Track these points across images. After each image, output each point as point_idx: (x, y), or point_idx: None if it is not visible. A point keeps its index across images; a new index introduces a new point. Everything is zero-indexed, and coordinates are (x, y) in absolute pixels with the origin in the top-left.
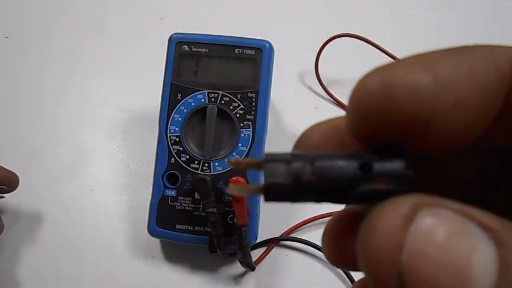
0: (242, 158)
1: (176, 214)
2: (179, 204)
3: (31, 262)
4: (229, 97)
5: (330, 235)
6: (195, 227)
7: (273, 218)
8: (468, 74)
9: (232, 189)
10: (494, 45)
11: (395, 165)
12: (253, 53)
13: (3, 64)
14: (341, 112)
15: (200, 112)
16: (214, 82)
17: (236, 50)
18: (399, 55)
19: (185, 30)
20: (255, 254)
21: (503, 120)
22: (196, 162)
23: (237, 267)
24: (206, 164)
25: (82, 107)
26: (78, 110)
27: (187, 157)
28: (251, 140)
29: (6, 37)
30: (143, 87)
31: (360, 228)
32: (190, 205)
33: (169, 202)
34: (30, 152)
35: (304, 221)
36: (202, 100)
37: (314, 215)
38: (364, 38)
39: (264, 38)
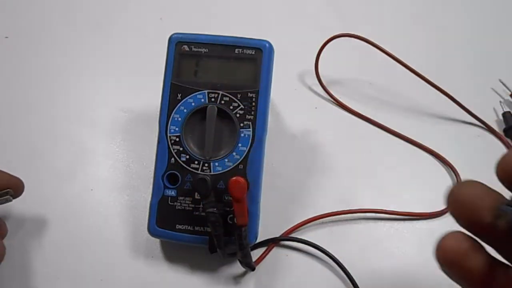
0: None
1: (176, 214)
2: (179, 204)
3: (31, 261)
4: (229, 97)
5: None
6: (195, 227)
7: (273, 218)
8: None
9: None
10: None
11: None
12: (253, 53)
13: (3, 64)
14: (341, 112)
15: (200, 112)
16: (214, 82)
17: (236, 50)
18: (399, 55)
19: (185, 30)
20: (255, 254)
21: None
22: (196, 162)
23: (237, 267)
24: (206, 164)
25: (82, 107)
26: (78, 110)
27: (187, 157)
28: (251, 140)
29: (6, 37)
30: (143, 87)
31: None
32: (190, 205)
33: (169, 202)
34: (30, 152)
35: (304, 221)
36: (202, 100)
37: (314, 215)
38: (364, 38)
39: (264, 38)
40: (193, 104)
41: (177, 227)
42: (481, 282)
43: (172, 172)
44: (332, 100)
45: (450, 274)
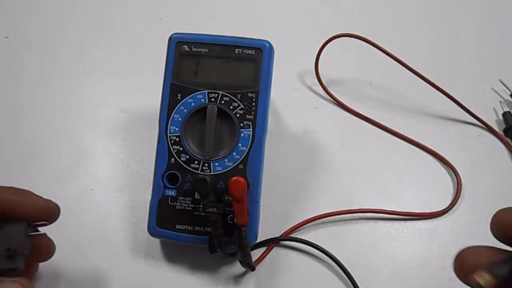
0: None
1: (176, 214)
2: (179, 204)
3: None
4: (229, 97)
5: None
6: (195, 227)
7: (273, 218)
8: None
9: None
10: None
11: None
12: (253, 53)
13: (3, 64)
14: (341, 112)
15: (200, 112)
16: (214, 82)
17: (236, 50)
18: (399, 55)
19: (185, 30)
20: (255, 254)
21: None
22: (196, 162)
23: (237, 267)
24: (206, 164)
25: (82, 107)
26: (78, 110)
27: (187, 157)
28: (251, 140)
29: (6, 37)
30: (143, 87)
31: None
32: (190, 205)
33: (169, 202)
34: (30, 152)
35: (304, 221)
36: (202, 100)
37: (314, 215)
38: (364, 38)
39: (264, 38)
40: (193, 104)
41: (177, 227)
42: None
43: (172, 172)
44: (332, 100)
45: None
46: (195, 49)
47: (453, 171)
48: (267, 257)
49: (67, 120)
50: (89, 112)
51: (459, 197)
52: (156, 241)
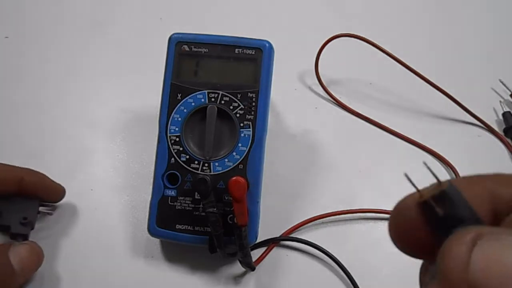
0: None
1: (176, 214)
2: (179, 204)
3: None
4: (229, 97)
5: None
6: (195, 227)
7: (273, 218)
8: None
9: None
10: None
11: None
12: (253, 53)
13: (3, 64)
14: (341, 112)
15: (200, 112)
16: (214, 82)
17: (236, 50)
18: (399, 55)
19: (185, 30)
20: (255, 254)
21: None
22: (196, 162)
23: (237, 267)
24: (206, 164)
25: (82, 107)
26: (78, 110)
27: (187, 157)
28: (251, 140)
29: (6, 37)
30: (143, 87)
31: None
32: (190, 205)
33: (169, 202)
34: (30, 152)
35: (304, 221)
36: (202, 100)
37: (314, 215)
38: (364, 38)
39: (264, 38)
40: (193, 104)
41: (177, 227)
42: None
43: (172, 172)
44: (332, 100)
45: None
46: (195, 49)
47: (453, 171)
48: (267, 257)
49: (67, 120)
50: (89, 112)
51: None
52: (156, 241)
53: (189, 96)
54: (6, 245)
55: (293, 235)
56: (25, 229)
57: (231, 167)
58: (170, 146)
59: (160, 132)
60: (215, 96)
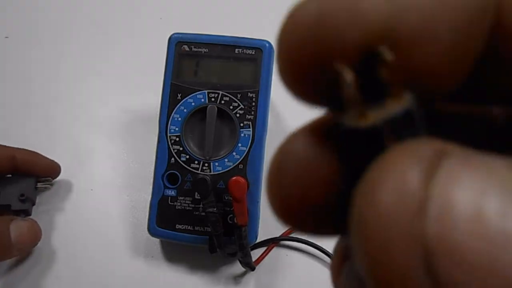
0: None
1: (176, 214)
2: (179, 204)
3: (30, 262)
4: (229, 97)
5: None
6: (195, 227)
7: (273, 218)
8: (440, 3)
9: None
10: None
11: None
12: (253, 53)
13: (3, 64)
14: None
15: (200, 112)
16: (214, 82)
17: (236, 50)
18: None
19: (185, 30)
20: (255, 254)
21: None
22: (196, 162)
23: (237, 267)
24: (206, 164)
25: (82, 107)
26: (78, 110)
27: (187, 157)
28: (251, 140)
29: (6, 37)
30: (143, 87)
31: (355, 190)
32: (190, 205)
33: (169, 202)
34: None
35: None
36: (202, 100)
37: None
38: None
39: (264, 38)
40: (193, 104)
41: (177, 227)
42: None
43: (172, 172)
44: None
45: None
46: (195, 49)
47: None
48: (267, 257)
49: (67, 120)
50: (89, 112)
51: None
52: (156, 241)
53: (189, 96)
54: (9, 217)
55: (293, 235)
56: (25, 205)
57: (231, 167)
58: (170, 146)
59: (160, 132)
60: (215, 96)
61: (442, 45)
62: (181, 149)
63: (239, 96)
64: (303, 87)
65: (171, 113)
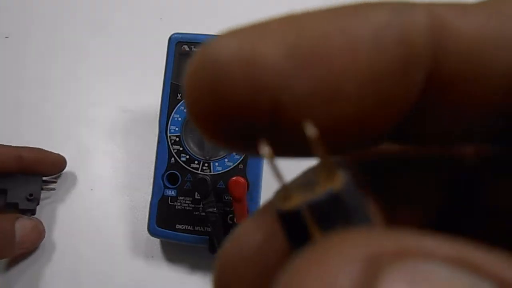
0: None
1: (176, 214)
2: (179, 204)
3: (30, 262)
4: None
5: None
6: (195, 227)
7: None
8: (348, 46)
9: None
10: (406, 3)
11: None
12: None
13: (3, 64)
14: None
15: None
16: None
17: None
18: None
19: (185, 30)
20: None
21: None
22: (196, 162)
23: None
24: (206, 164)
25: (82, 107)
26: (78, 110)
27: (187, 157)
28: None
29: (6, 37)
30: (143, 87)
31: None
32: (190, 205)
33: (169, 202)
34: None
35: None
36: None
37: None
38: None
39: None
40: None
41: (177, 227)
42: None
43: (172, 172)
44: None
45: None
46: (195, 49)
47: None
48: None
49: (67, 120)
50: (89, 112)
51: None
52: (156, 241)
53: None
54: (15, 215)
55: None
56: (32, 205)
57: (231, 167)
58: (170, 146)
59: (160, 132)
60: None
61: (351, 102)
62: (181, 149)
63: None
64: (213, 133)
65: (171, 113)
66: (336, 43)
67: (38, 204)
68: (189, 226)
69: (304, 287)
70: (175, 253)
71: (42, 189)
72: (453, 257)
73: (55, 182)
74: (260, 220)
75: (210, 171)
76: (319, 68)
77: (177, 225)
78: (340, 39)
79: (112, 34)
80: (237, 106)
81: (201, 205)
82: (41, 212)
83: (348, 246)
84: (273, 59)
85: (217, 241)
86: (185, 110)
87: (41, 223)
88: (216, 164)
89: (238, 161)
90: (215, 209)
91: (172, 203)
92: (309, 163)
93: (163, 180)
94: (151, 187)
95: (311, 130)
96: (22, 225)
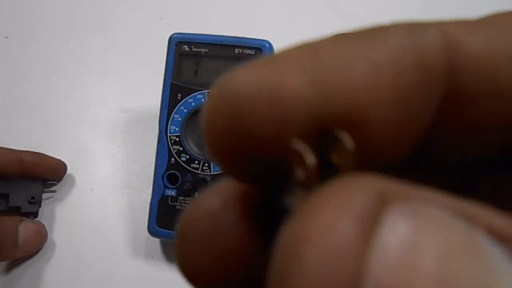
0: None
1: (176, 214)
2: (179, 204)
3: (30, 262)
4: None
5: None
6: None
7: None
8: (372, 73)
9: None
10: (419, 23)
11: None
12: (253, 53)
13: (3, 64)
14: None
15: (200, 112)
16: (214, 82)
17: (236, 50)
18: None
19: (185, 30)
20: None
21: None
22: (196, 162)
23: None
24: (206, 164)
25: (82, 107)
26: (78, 110)
27: (187, 157)
28: None
29: (6, 37)
30: (143, 87)
31: (274, 245)
32: None
33: (169, 202)
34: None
35: None
36: (202, 100)
37: None
38: None
39: (264, 38)
40: (193, 104)
41: (177, 227)
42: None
43: (172, 172)
44: None
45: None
46: (195, 49)
47: None
48: None
49: (67, 120)
50: (89, 112)
51: None
52: (156, 241)
53: (189, 96)
54: (18, 218)
55: None
56: (34, 208)
57: None
58: (170, 146)
59: (160, 132)
60: None
61: (377, 126)
62: (181, 149)
63: None
64: (234, 170)
65: (171, 113)
66: (359, 70)
67: (40, 206)
68: None
69: (321, 216)
70: None
71: (43, 191)
72: (452, 207)
73: (55, 184)
74: (221, 189)
75: (210, 171)
76: (345, 96)
77: (177, 225)
78: (362, 66)
79: (112, 34)
80: (262, 142)
81: None
82: (41, 212)
83: (356, 187)
84: (297, 90)
85: None
86: (185, 110)
87: (44, 226)
88: None
89: None
90: None
91: (172, 203)
92: None
93: (163, 180)
94: (151, 187)
95: (349, 142)
96: (25, 228)
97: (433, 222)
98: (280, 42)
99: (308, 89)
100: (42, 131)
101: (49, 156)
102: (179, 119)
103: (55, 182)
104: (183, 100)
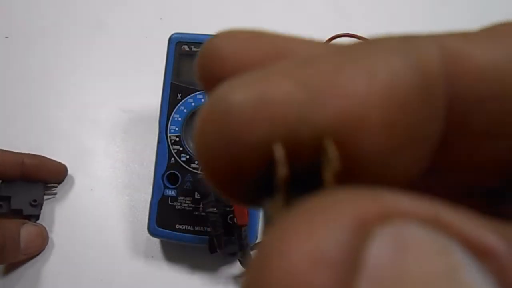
0: None
1: (176, 214)
2: (179, 204)
3: (30, 262)
4: None
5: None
6: (195, 227)
7: None
8: (367, 83)
9: None
10: (415, 36)
11: None
12: None
13: (3, 64)
14: None
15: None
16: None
17: None
18: None
19: (185, 30)
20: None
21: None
22: (196, 162)
23: (237, 267)
24: None
25: (82, 107)
26: (78, 110)
27: (187, 157)
28: None
29: (6, 37)
30: (143, 87)
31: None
32: (190, 205)
33: (169, 202)
34: (29, 151)
35: None
36: (202, 100)
37: None
38: (364, 38)
39: None
40: (193, 104)
41: (177, 227)
42: None
43: (172, 172)
44: None
45: None
46: (195, 49)
47: None
48: None
49: (67, 120)
50: (89, 112)
51: None
52: (156, 241)
53: (189, 96)
54: (20, 221)
55: None
56: (36, 210)
57: None
58: (170, 146)
59: (160, 132)
60: None
61: (376, 131)
62: (181, 149)
63: None
64: (231, 191)
65: (171, 113)
66: (349, 75)
67: (41, 209)
68: (189, 226)
69: (291, 250)
70: (175, 253)
71: (44, 194)
72: (428, 217)
73: (56, 186)
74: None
75: None
76: (334, 100)
77: (177, 225)
78: (353, 72)
79: (112, 34)
80: (249, 147)
81: (201, 205)
82: (41, 212)
83: (334, 210)
84: (284, 90)
85: (217, 241)
86: (185, 110)
87: (46, 229)
88: None
89: None
90: (215, 209)
91: (172, 203)
92: None
93: (163, 180)
94: (151, 187)
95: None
96: (27, 231)
97: (412, 247)
98: None
99: (296, 92)
100: (42, 131)
101: (50, 159)
102: (179, 119)
103: (56, 184)
104: (183, 100)
